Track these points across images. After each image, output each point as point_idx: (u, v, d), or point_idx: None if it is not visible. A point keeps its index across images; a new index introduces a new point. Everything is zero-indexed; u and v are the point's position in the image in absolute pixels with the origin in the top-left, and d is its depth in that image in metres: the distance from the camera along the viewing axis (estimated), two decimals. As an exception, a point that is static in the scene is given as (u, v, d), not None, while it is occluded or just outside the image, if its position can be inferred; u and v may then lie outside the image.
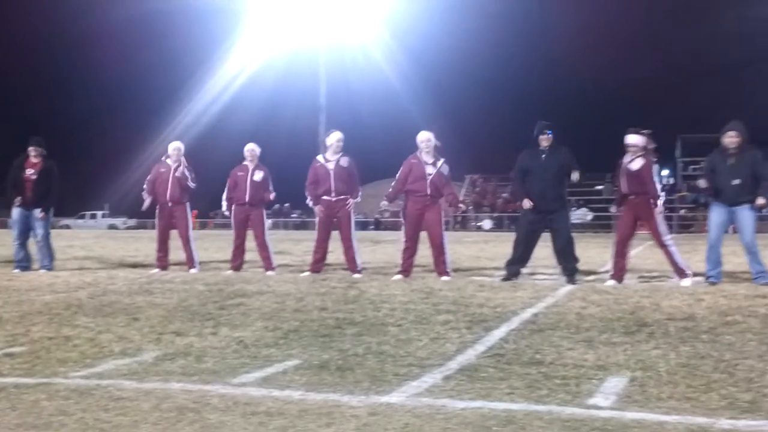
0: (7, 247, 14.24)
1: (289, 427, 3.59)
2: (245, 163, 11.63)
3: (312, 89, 50.48)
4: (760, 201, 9.38)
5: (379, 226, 50.04)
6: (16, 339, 5.76)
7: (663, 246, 9.69)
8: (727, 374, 4.52)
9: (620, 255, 9.84)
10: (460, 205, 12.42)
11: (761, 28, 47.66)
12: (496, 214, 49.70)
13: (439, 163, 10.46)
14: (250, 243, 11.69)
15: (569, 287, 9.17)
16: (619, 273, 9.78)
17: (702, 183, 9.74)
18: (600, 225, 39.79)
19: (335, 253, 11.49)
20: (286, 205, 56.40)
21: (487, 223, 48.05)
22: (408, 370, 4.67)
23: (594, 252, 16.42)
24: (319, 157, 11.04)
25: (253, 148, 11.66)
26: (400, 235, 11.00)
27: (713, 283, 9.33)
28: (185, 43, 57.99)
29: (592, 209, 46.19)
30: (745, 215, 9.52)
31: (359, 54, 49.61)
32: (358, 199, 11.00)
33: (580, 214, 45.96)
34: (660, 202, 9.72)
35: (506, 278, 10.02)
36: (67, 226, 56.44)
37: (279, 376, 4.55)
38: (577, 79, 57.88)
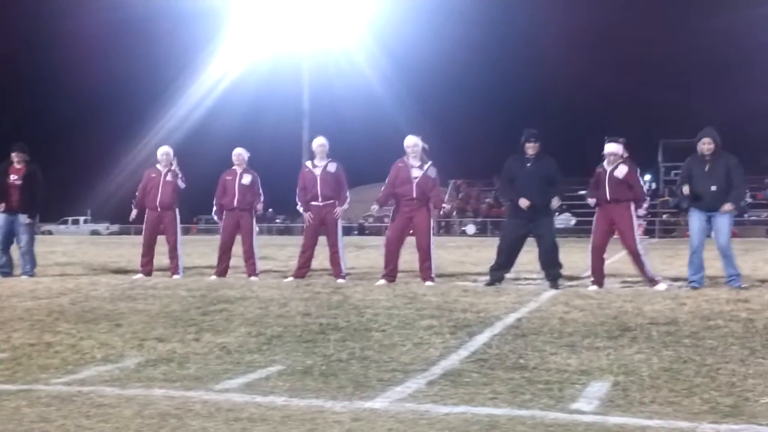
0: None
1: (273, 433, 3.58)
2: (234, 167, 11.62)
3: (295, 94, 50.41)
4: (727, 207, 9.54)
5: (363, 231, 50.02)
6: (-3, 345, 5.71)
7: (635, 254, 9.78)
8: (710, 378, 4.54)
9: (597, 261, 9.94)
10: (444, 205, 12.46)
11: (742, 32, 48.04)
12: (479, 219, 49.78)
13: (426, 166, 10.48)
14: (236, 247, 11.66)
15: (552, 292, 9.19)
16: (598, 278, 9.86)
17: (686, 190, 9.81)
18: (583, 230, 39.98)
19: (318, 258, 11.46)
20: (270, 210, 56.31)
21: (470, 228, 48.08)
22: (392, 376, 4.67)
23: (577, 257, 16.42)
24: (308, 163, 11.08)
25: (240, 153, 11.64)
26: (383, 240, 11.01)
27: (695, 288, 9.41)
28: (167, 47, 57.65)
29: (575, 214, 46.34)
30: (722, 220, 9.65)
31: (343, 59, 49.61)
32: (345, 206, 10.95)
33: (563, 219, 46.11)
34: (644, 206, 9.85)
35: (490, 283, 10.04)
36: (50, 232, 56.05)
37: (262, 382, 4.53)
38: (560, 85, 58.13)
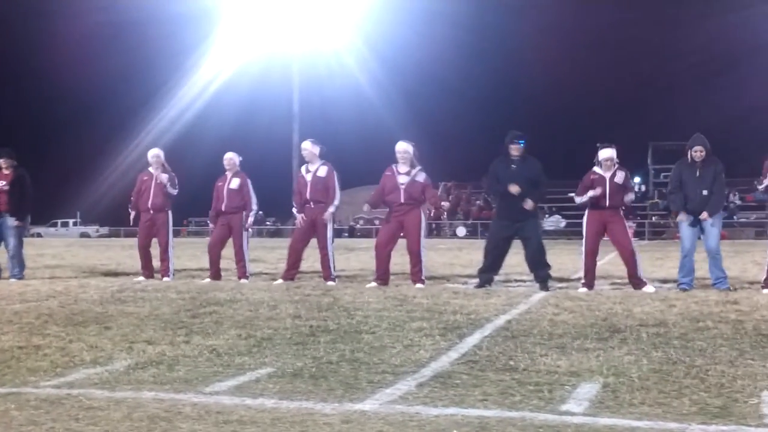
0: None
1: (262, 435, 3.58)
2: (225, 172, 11.63)
3: (286, 97, 50.45)
4: (704, 216, 9.69)
5: (353, 233, 50.01)
6: (-15, 348, 5.69)
7: (632, 254, 9.81)
8: (699, 380, 4.55)
9: (592, 263, 9.97)
10: (443, 204, 12.59)
11: (730, 36, 48.28)
12: (470, 222, 49.82)
13: (414, 172, 10.49)
14: (227, 250, 11.65)
15: (542, 294, 9.22)
16: (590, 280, 9.89)
17: (682, 217, 9.93)
18: (573, 232, 40.08)
19: (308, 260, 11.46)
20: (260, 212, 56.24)
21: (461, 231, 48.13)
22: (382, 378, 4.66)
23: (567, 259, 16.50)
24: (303, 167, 11.15)
25: (231, 157, 11.63)
26: (374, 243, 11.02)
27: (685, 290, 9.45)
28: (157, 50, 57.48)
29: (564, 216, 46.45)
30: (712, 222, 9.72)
31: (333, 62, 49.66)
32: (332, 209, 10.92)
33: (553, 221, 46.23)
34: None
35: (480, 285, 10.05)
36: (39, 235, 55.84)
37: (252, 385, 4.52)
38: (550, 88, 58.22)
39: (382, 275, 10.46)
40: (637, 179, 49.94)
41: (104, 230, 61.20)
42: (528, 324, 6.68)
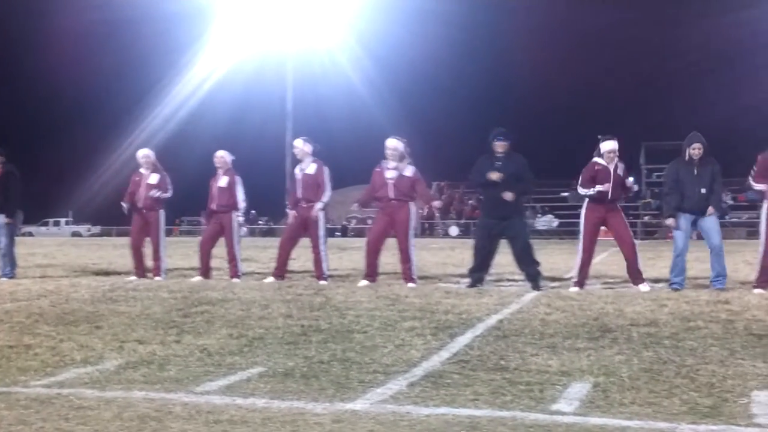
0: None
1: (253, 435, 3.57)
2: (217, 170, 11.62)
3: (279, 95, 50.47)
4: (710, 211, 9.71)
5: (346, 232, 49.99)
6: (-24, 348, 5.67)
7: (633, 246, 9.83)
8: (689, 379, 4.56)
9: (587, 258, 9.94)
10: (435, 203, 12.58)
11: (724, 36, 48.39)
12: (462, 221, 49.84)
13: (401, 166, 10.47)
14: (219, 249, 11.64)
15: (534, 293, 9.22)
16: (582, 279, 9.89)
17: (670, 221, 9.97)
18: (565, 231, 40.17)
19: (300, 260, 11.45)
20: (253, 212, 56.16)
21: (453, 230, 48.16)
22: (373, 377, 4.66)
23: (559, 258, 16.53)
24: (297, 167, 11.16)
25: (222, 155, 11.61)
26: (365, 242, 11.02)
27: (676, 290, 9.45)
28: (150, 49, 57.35)
29: (557, 216, 46.53)
30: (711, 220, 9.75)
31: (326, 60, 49.66)
32: (320, 205, 10.88)
33: (545, 221, 46.32)
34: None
35: (471, 285, 10.05)
36: (30, 234, 55.68)
37: (243, 384, 4.52)
38: (542, 88, 58.14)
39: (371, 273, 10.46)
40: (630, 179, 50.06)
41: (96, 229, 61.01)
42: (519, 323, 6.69)
